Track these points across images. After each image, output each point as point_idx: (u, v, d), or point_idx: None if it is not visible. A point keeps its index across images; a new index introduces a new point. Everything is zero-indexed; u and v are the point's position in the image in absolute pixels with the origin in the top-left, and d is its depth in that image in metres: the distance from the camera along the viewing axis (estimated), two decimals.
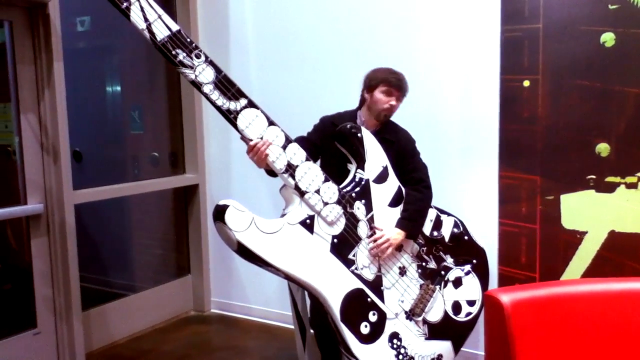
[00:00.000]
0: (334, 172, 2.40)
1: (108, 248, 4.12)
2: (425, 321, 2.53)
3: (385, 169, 2.48)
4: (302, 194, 2.26)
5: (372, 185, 2.44)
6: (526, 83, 2.79)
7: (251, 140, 2.19)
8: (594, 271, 2.71)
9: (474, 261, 2.70)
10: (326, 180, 2.31)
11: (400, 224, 2.47)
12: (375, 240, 2.40)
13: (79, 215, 3.18)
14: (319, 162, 2.48)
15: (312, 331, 2.67)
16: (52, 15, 2.90)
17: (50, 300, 3.10)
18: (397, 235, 2.44)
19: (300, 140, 2.43)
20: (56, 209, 3.05)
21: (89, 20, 3.91)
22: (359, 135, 2.42)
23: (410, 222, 2.49)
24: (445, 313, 2.60)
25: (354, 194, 2.39)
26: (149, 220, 4.18)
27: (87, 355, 3.22)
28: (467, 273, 2.67)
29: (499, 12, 2.82)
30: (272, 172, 2.33)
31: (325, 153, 2.50)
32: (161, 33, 2.04)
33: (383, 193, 2.47)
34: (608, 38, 2.60)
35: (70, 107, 3.06)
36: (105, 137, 4.08)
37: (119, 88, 4.21)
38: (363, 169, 2.44)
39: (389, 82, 2.45)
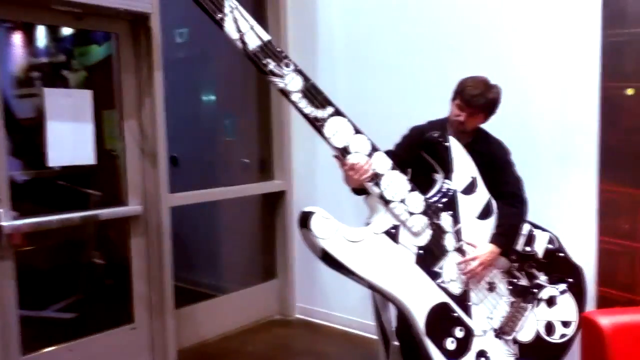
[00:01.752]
0: (421, 182, 2.35)
1: (199, 249, 4.29)
2: (515, 341, 2.42)
3: (474, 180, 2.40)
4: (386, 203, 2.24)
5: (460, 196, 2.37)
6: (630, 91, 2.61)
7: (348, 157, 2.18)
8: None
9: (570, 280, 2.54)
10: (412, 189, 2.27)
11: (495, 239, 2.38)
12: (467, 263, 2.32)
13: (175, 218, 3.33)
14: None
15: (396, 343, 2.63)
16: (154, 27, 3.08)
17: (146, 297, 3.27)
18: (491, 253, 2.35)
19: (387, 152, 2.40)
20: (153, 210, 3.21)
21: (187, 32, 4.11)
22: (445, 144, 2.36)
23: (506, 238, 2.39)
24: (538, 333, 2.47)
25: (440, 205, 2.33)
26: (239, 224, 4.31)
27: (179, 352, 3.35)
28: (562, 292, 2.52)
29: (600, 15, 2.66)
30: (358, 191, 2.31)
31: (413, 163, 2.45)
32: (253, 43, 2.10)
33: (471, 204, 2.39)
34: None
35: (168, 114, 3.21)
36: (199, 143, 4.25)
37: (213, 97, 4.39)
38: (450, 179, 2.37)
39: (462, 96, 2.35)
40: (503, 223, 2.40)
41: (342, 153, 2.20)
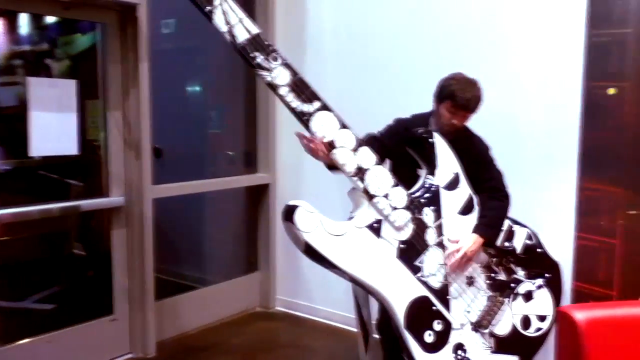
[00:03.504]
0: (404, 176, 2.38)
1: (182, 241, 4.28)
2: (492, 334, 2.47)
3: (457, 176, 2.44)
4: (370, 197, 2.26)
5: (443, 192, 2.41)
6: (612, 90, 2.66)
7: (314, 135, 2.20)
8: None
9: (547, 275, 2.60)
10: (395, 184, 2.30)
11: (478, 229, 2.41)
12: (451, 255, 2.36)
13: (157, 209, 3.32)
14: (388, 165, 2.45)
15: (376, 336, 2.66)
16: (141, 17, 3.06)
17: (126, 289, 3.26)
18: (474, 243, 2.38)
19: (371, 138, 2.43)
20: (136, 202, 3.20)
21: (174, 23, 4.08)
22: (430, 140, 2.39)
23: (490, 229, 2.43)
24: (514, 327, 2.52)
25: (423, 200, 2.37)
26: (222, 217, 4.31)
27: (159, 344, 3.34)
28: (539, 287, 2.58)
29: (585, 15, 2.71)
30: (332, 167, 2.32)
31: (396, 157, 2.48)
32: (241, 36, 2.11)
33: (453, 200, 2.43)
34: None
35: (153, 106, 3.20)
36: (184, 135, 4.24)
37: (199, 88, 4.37)
38: (433, 175, 2.41)
39: (455, 100, 2.32)
40: (488, 214, 2.44)
41: (328, 149, 2.23)
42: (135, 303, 3.26)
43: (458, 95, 2.32)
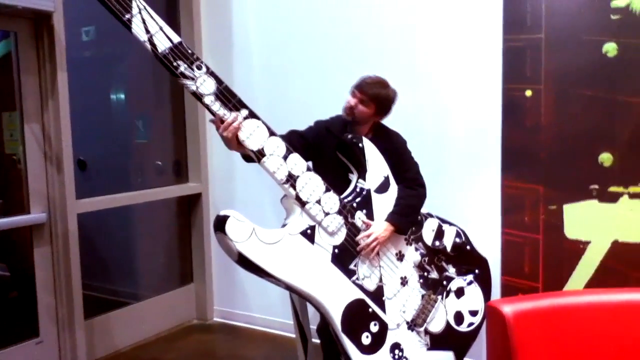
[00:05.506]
0: (336, 182, 2.39)
1: (112, 256, 4.13)
2: (427, 331, 2.52)
3: (387, 179, 2.48)
4: (303, 204, 2.26)
5: (374, 195, 2.44)
6: (528, 93, 2.79)
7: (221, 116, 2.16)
8: (597, 281, 2.71)
9: (477, 271, 2.69)
10: (327, 190, 2.31)
11: (390, 218, 2.45)
12: (362, 239, 2.38)
13: (83, 223, 3.19)
14: (314, 170, 2.45)
15: (314, 340, 2.66)
16: (57, 26, 2.93)
17: (52, 309, 3.11)
18: (385, 230, 2.41)
19: (293, 133, 2.44)
20: (59, 218, 3.06)
21: (93, 30, 3.94)
22: (360, 145, 2.42)
23: (401, 217, 2.46)
24: (447, 323, 2.59)
25: (355, 204, 2.39)
26: (153, 229, 4.19)
27: None
28: (470, 283, 2.66)
29: (500, 21, 2.83)
30: (247, 157, 2.31)
31: (326, 162, 2.49)
32: (162, 45, 2.06)
33: (384, 203, 2.47)
34: (610, 48, 2.60)
35: (76, 116, 3.07)
36: (109, 145, 4.09)
37: (123, 96, 4.24)
38: (364, 179, 2.44)
39: (356, 84, 2.47)
40: (400, 203, 2.49)
41: (257, 157, 2.21)
42: (63, 323, 3.11)
43: (360, 80, 2.47)
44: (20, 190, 3.08)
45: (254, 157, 2.22)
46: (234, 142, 2.20)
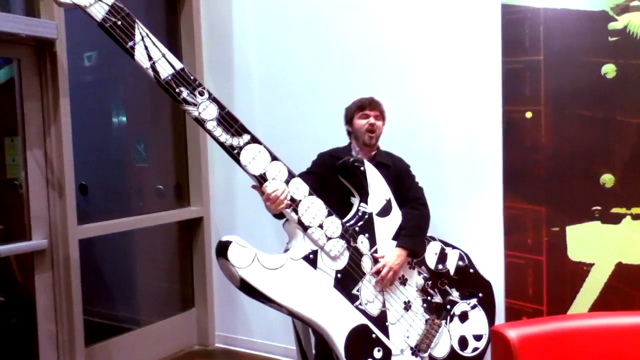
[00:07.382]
0: (338, 206, 2.39)
1: (114, 282, 4.11)
2: (431, 357, 2.49)
3: (389, 202, 2.48)
4: (305, 228, 2.25)
5: (376, 219, 2.43)
6: (528, 114, 2.80)
7: (265, 187, 2.19)
8: (602, 303, 2.68)
9: (480, 294, 2.67)
10: (329, 214, 2.31)
11: (401, 242, 2.44)
12: (377, 273, 2.37)
13: (85, 248, 3.17)
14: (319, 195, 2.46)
15: None
16: (59, 52, 2.95)
17: (53, 335, 3.08)
18: (398, 257, 2.41)
19: (303, 176, 2.44)
20: (60, 244, 3.05)
21: (97, 55, 3.97)
22: (362, 168, 2.42)
23: (411, 239, 2.46)
24: (452, 348, 2.56)
25: (357, 228, 2.38)
26: (154, 253, 4.17)
27: None
28: (473, 307, 2.64)
29: (500, 44, 2.85)
30: (280, 215, 2.32)
31: (328, 187, 2.50)
32: (165, 71, 2.07)
33: (387, 226, 2.46)
34: (609, 69, 2.62)
35: (78, 140, 3.08)
36: (111, 169, 4.10)
37: (125, 120, 4.26)
38: (366, 203, 2.44)
39: (362, 105, 2.57)
40: (408, 225, 2.49)
41: (259, 181, 2.21)
42: (64, 350, 3.07)
43: (362, 101, 2.58)
44: (22, 215, 3.07)
45: (256, 181, 2.22)
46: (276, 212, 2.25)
